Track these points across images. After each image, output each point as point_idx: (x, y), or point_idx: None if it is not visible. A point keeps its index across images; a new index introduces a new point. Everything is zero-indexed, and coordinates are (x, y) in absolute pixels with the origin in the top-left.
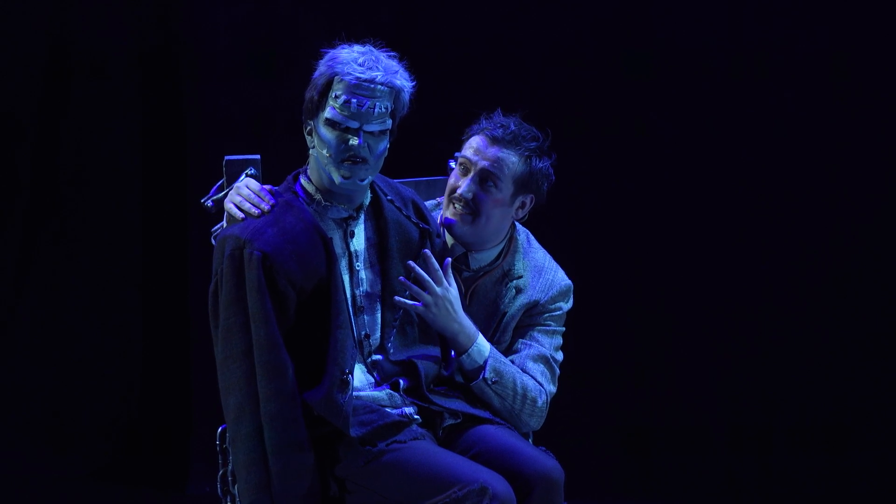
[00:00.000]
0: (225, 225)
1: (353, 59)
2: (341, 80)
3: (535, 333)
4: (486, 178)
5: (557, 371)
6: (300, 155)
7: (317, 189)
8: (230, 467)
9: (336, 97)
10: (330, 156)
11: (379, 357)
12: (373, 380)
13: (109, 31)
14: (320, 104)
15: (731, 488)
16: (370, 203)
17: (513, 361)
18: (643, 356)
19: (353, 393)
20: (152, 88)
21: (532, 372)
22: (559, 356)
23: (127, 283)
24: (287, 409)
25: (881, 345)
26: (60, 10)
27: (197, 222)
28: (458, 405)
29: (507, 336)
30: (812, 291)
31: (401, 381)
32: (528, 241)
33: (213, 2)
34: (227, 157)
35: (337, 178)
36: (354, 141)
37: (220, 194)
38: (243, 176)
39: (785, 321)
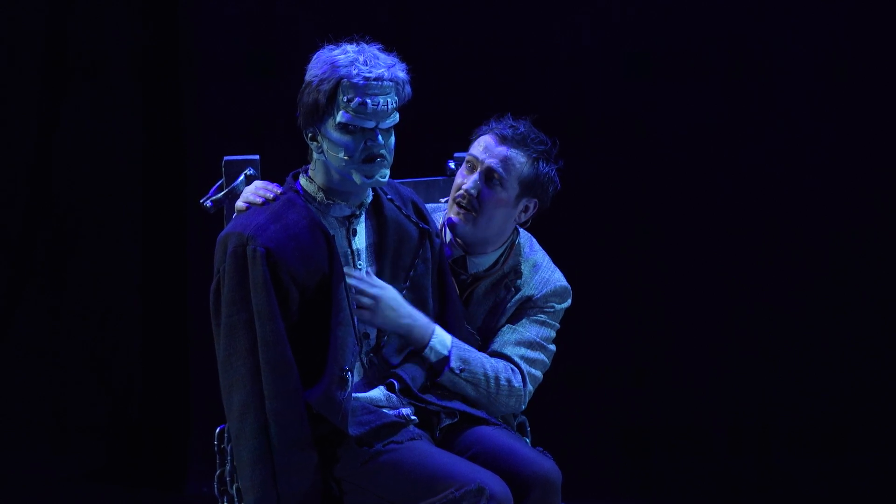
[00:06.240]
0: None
1: (353, 60)
2: (350, 82)
3: (524, 320)
4: (491, 176)
5: (544, 358)
6: (300, 155)
7: (319, 188)
8: (228, 467)
9: (348, 101)
10: (350, 158)
11: (374, 357)
12: (368, 379)
13: (108, 30)
14: (328, 109)
15: (731, 488)
16: (371, 202)
17: (493, 342)
18: (643, 356)
19: (352, 393)
20: (151, 88)
21: (511, 354)
22: (550, 347)
23: (126, 284)
24: (292, 407)
25: (881, 345)
26: (59, 9)
27: (196, 223)
28: (456, 405)
29: None
30: (812, 291)
31: (395, 383)
32: (531, 244)
33: (212, 2)
34: (225, 158)
35: (359, 179)
36: (373, 140)
37: (219, 195)
38: (242, 176)
39: (784, 321)
